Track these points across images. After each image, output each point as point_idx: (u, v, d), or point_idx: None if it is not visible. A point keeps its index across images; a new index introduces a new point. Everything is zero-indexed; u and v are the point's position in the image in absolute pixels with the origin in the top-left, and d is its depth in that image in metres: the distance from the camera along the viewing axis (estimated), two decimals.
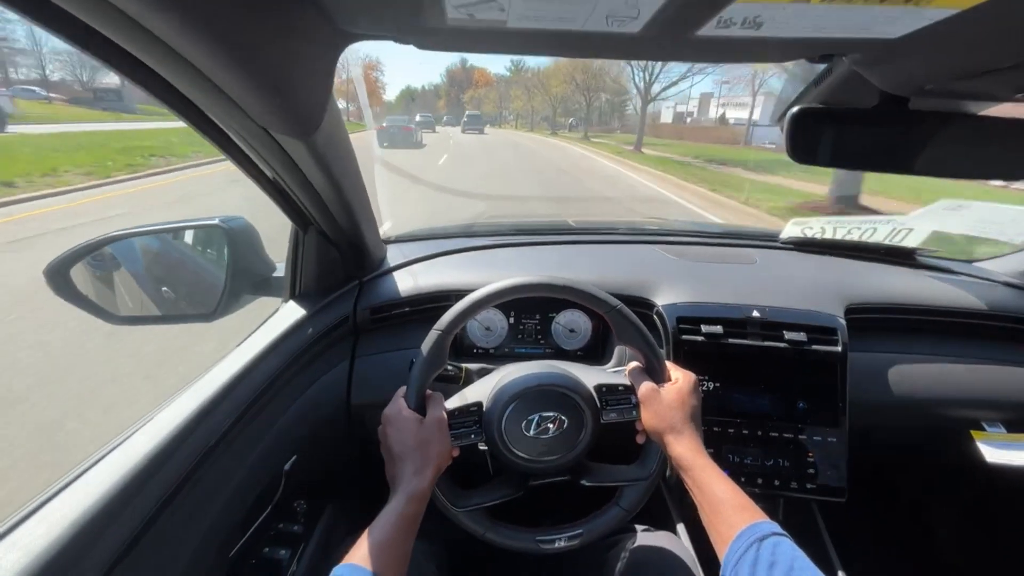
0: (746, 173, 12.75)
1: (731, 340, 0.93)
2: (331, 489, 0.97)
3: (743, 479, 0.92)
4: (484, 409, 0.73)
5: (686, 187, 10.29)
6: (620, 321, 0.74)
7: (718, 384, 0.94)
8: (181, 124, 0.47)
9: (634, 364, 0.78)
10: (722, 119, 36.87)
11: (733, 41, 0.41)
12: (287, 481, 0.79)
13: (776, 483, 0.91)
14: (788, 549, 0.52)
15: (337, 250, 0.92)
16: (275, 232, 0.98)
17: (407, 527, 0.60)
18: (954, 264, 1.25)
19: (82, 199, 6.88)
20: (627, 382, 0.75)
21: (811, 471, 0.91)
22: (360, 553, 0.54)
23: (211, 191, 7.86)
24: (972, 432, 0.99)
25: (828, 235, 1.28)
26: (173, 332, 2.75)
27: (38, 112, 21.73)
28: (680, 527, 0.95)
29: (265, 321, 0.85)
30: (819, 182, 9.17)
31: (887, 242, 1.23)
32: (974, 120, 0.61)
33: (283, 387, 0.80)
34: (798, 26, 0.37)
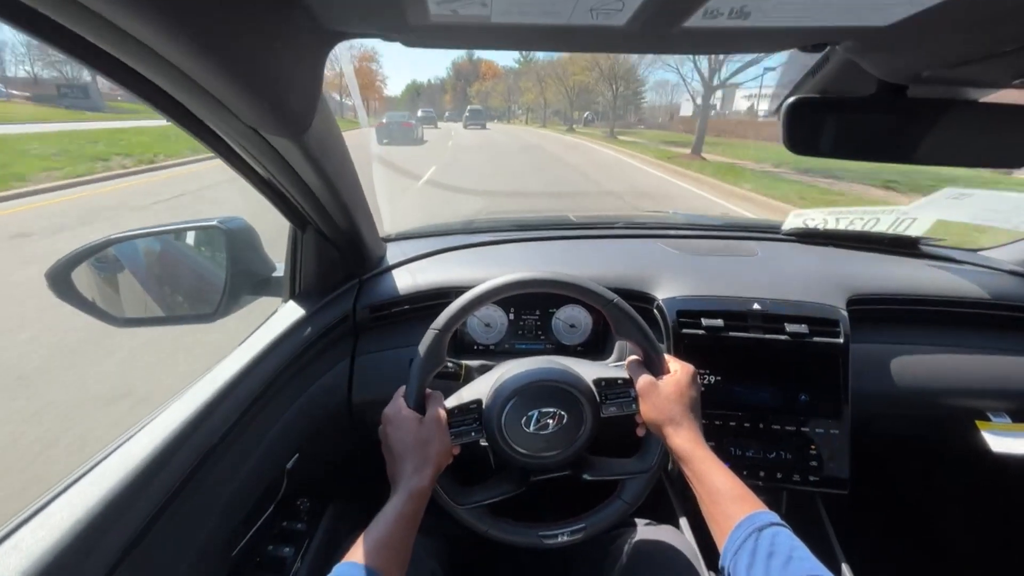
0: (887, 194, 8.85)
1: (732, 333, 0.93)
2: (334, 486, 0.98)
3: (745, 472, 0.91)
4: (484, 406, 0.73)
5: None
6: (617, 315, 0.74)
7: (720, 377, 0.94)
8: (156, 123, 0.47)
9: (633, 357, 0.78)
10: (751, 111, 34.92)
11: (721, 32, 0.40)
12: (290, 479, 0.80)
13: (778, 476, 0.91)
14: (786, 539, 0.53)
15: (336, 249, 0.92)
16: (275, 232, 0.99)
17: (407, 525, 0.60)
18: (958, 253, 1.23)
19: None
20: (626, 375, 0.75)
21: (813, 463, 0.91)
22: (361, 551, 0.55)
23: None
24: (977, 422, 0.98)
25: (830, 226, 1.27)
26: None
27: None
28: (682, 520, 0.95)
29: (265, 321, 0.85)
30: None
31: (890, 232, 1.22)
32: (974, 107, 0.60)
33: (284, 386, 0.80)
34: (785, 15, 0.37)
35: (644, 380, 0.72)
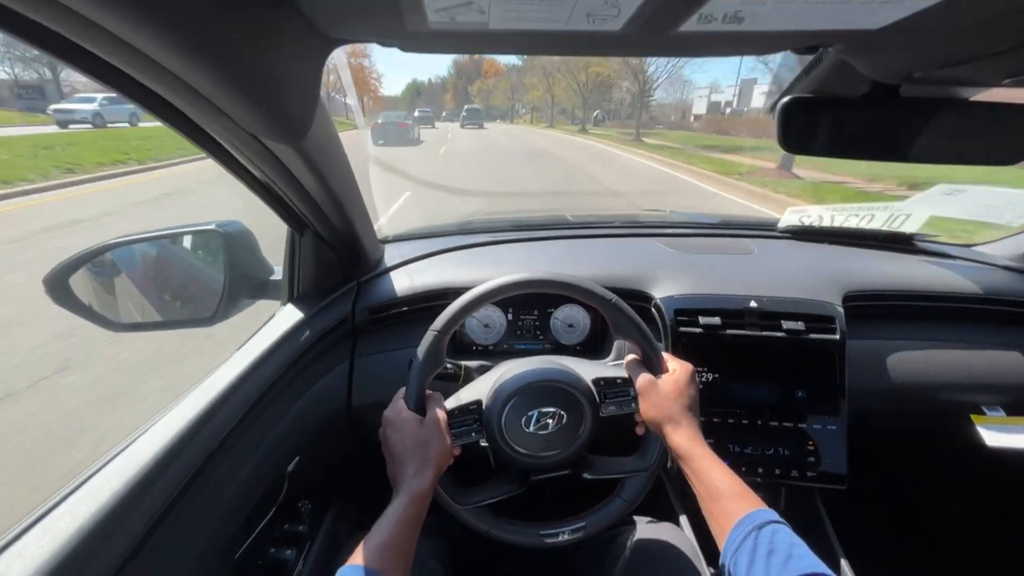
0: None
1: (729, 331, 0.94)
2: (335, 488, 0.98)
3: (744, 469, 0.92)
4: (484, 407, 0.74)
5: None
6: (615, 314, 0.74)
7: (717, 375, 0.94)
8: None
9: (631, 357, 0.78)
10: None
11: (715, 36, 0.41)
12: (290, 482, 0.80)
13: (777, 472, 0.92)
14: (786, 536, 0.53)
15: (333, 252, 0.93)
16: (274, 236, 0.98)
17: (410, 527, 0.60)
18: (952, 249, 1.24)
19: None
20: (625, 375, 0.76)
21: (811, 459, 0.91)
22: (364, 554, 0.55)
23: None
24: (972, 416, 0.99)
25: (826, 223, 1.28)
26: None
27: None
28: (683, 518, 0.95)
29: (264, 324, 0.86)
30: None
31: (885, 228, 1.23)
32: (966, 106, 0.61)
33: (284, 389, 0.80)
34: (779, 20, 0.37)
35: (643, 379, 0.72)
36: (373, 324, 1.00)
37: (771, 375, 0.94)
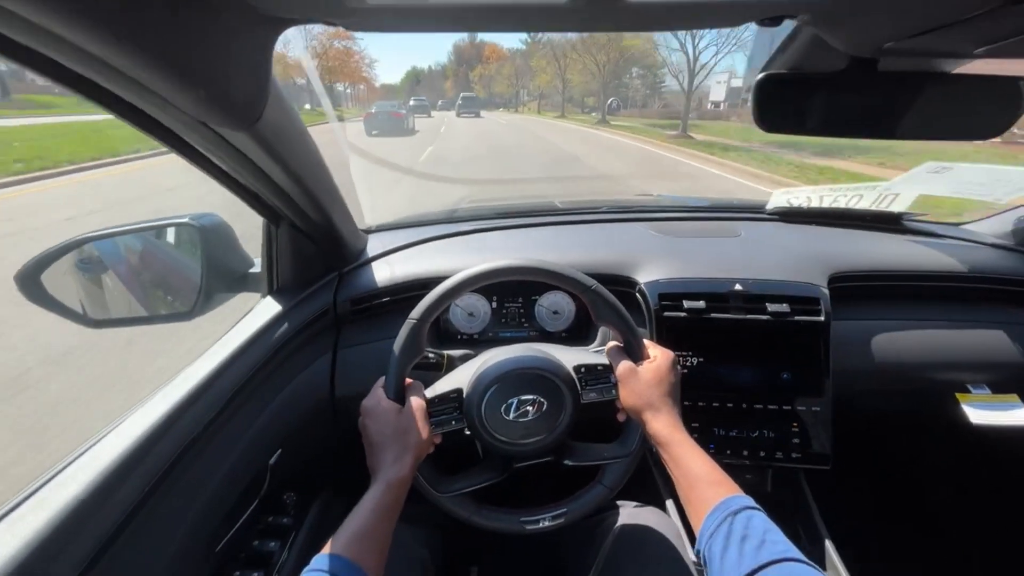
0: None
1: (714, 315, 0.93)
2: (320, 480, 0.98)
3: (730, 451, 0.92)
4: (464, 395, 0.73)
5: None
6: (596, 301, 0.74)
7: (702, 359, 0.94)
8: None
9: (613, 343, 0.78)
10: None
11: (669, 6, 0.39)
12: (272, 475, 0.80)
13: (762, 454, 0.92)
14: (761, 522, 0.53)
15: (312, 243, 0.91)
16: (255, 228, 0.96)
17: (386, 515, 0.60)
18: (940, 228, 1.24)
19: None
20: (606, 361, 0.75)
21: (796, 440, 0.92)
22: (339, 542, 0.55)
23: None
24: (957, 395, 0.99)
25: (814, 204, 1.27)
26: None
27: None
28: (668, 502, 0.96)
29: (243, 317, 0.85)
30: None
31: (873, 208, 1.22)
32: (944, 79, 0.59)
33: (264, 382, 0.80)
34: None
35: (624, 366, 0.72)
36: (356, 315, 1.00)
37: (756, 358, 0.94)
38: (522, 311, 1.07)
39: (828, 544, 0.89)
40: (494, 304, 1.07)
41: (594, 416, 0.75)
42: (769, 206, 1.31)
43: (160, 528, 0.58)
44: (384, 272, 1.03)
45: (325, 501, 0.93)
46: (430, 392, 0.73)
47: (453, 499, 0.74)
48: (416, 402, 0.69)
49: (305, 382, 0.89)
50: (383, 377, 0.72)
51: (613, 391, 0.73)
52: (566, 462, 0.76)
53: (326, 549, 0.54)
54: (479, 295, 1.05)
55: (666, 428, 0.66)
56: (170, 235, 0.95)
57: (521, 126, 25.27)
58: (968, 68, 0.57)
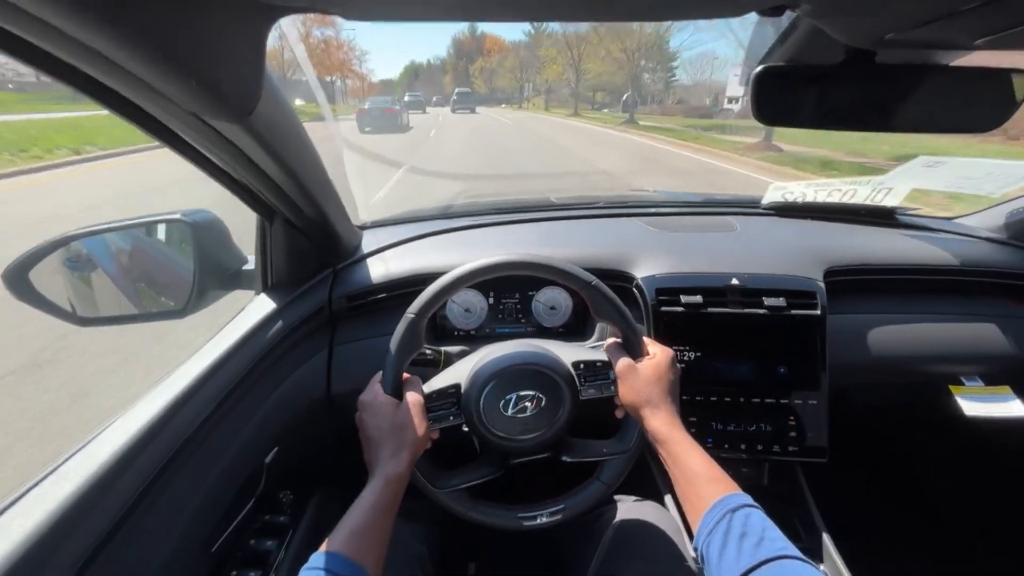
0: None
1: (711, 309, 0.93)
2: (317, 478, 0.98)
3: (727, 445, 0.93)
4: (462, 391, 0.73)
5: None
6: (596, 296, 0.73)
7: (699, 354, 0.94)
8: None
9: (612, 339, 0.78)
10: None
11: None
12: (269, 473, 0.79)
13: (759, 448, 0.92)
14: (759, 520, 0.53)
15: (307, 239, 0.90)
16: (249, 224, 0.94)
17: (384, 511, 0.60)
18: (934, 222, 1.24)
19: None
20: (605, 358, 0.75)
21: (793, 434, 0.92)
22: (338, 539, 0.55)
23: None
24: (951, 387, 1.00)
25: (809, 198, 1.27)
26: None
27: None
28: (667, 497, 0.96)
29: (236, 315, 0.84)
30: None
31: (868, 203, 1.23)
32: (943, 72, 0.59)
33: (259, 380, 0.79)
34: None
35: (623, 363, 0.72)
36: (352, 312, 0.99)
37: (753, 352, 0.94)
38: (519, 307, 1.07)
39: (824, 536, 0.90)
40: (491, 300, 1.06)
41: (592, 413, 0.75)
42: (764, 201, 1.31)
43: (156, 527, 0.58)
44: (379, 268, 1.02)
45: (321, 499, 0.92)
46: (427, 387, 0.73)
47: (450, 495, 0.73)
48: (414, 397, 0.69)
49: (301, 379, 0.89)
50: (380, 372, 0.71)
51: (612, 387, 0.73)
52: (564, 458, 0.76)
53: (324, 547, 0.54)
54: (476, 291, 1.05)
55: (665, 425, 0.66)
56: (160, 232, 0.94)
57: (530, 127, 21.42)
58: (966, 60, 0.57)
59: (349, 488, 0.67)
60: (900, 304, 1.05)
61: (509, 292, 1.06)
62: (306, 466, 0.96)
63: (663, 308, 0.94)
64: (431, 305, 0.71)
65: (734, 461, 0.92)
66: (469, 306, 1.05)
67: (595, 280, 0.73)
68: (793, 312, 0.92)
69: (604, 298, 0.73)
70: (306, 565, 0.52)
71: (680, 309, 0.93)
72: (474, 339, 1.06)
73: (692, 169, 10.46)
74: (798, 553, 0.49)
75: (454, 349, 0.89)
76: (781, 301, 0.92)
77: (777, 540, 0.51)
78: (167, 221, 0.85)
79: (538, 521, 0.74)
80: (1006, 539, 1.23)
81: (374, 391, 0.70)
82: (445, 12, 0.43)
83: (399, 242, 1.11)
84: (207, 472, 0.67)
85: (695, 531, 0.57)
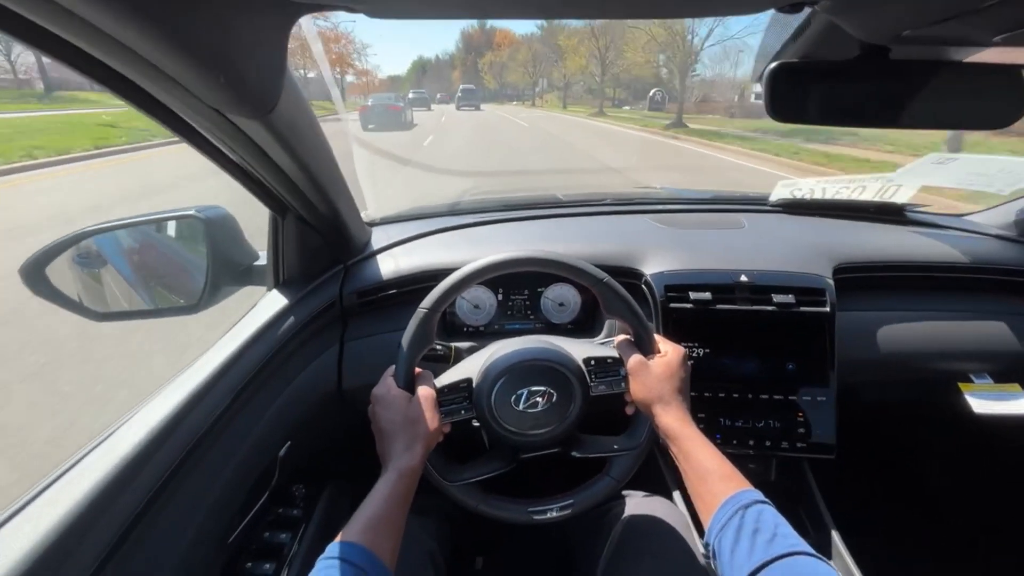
0: None
1: (720, 306, 0.93)
2: (329, 472, 0.98)
3: (735, 441, 0.93)
4: (474, 385, 0.73)
5: None
6: (608, 293, 0.73)
7: (708, 350, 0.94)
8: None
9: (623, 337, 0.78)
10: None
11: None
12: (282, 467, 0.80)
13: (767, 443, 0.93)
14: (772, 516, 0.54)
15: (318, 235, 0.91)
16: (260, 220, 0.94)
17: (398, 503, 0.61)
18: (943, 219, 1.24)
19: None
20: (616, 354, 0.75)
21: (801, 430, 0.92)
22: (353, 530, 0.55)
23: None
24: (960, 384, 1.00)
25: (817, 195, 1.27)
26: None
27: None
28: (676, 493, 0.96)
29: (249, 311, 0.84)
30: None
31: (876, 200, 1.22)
32: (957, 68, 0.59)
33: (272, 375, 0.80)
34: None
35: (634, 360, 0.72)
36: (362, 308, 0.99)
37: (762, 349, 0.94)
38: (528, 303, 1.07)
39: (834, 532, 0.90)
40: (500, 296, 1.07)
41: (602, 409, 0.75)
42: (772, 198, 1.31)
43: (175, 521, 0.58)
44: (389, 265, 1.03)
45: (333, 493, 0.93)
46: (439, 382, 0.73)
47: (461, 488, 0.74)
48: (426, 391, 0.69)
49: (312, 375, 0.89)
50: (393, 366, 0.72)
51: (623, 384, 0.73)
52: (574, 453, 0.77)
53: (342, 536, 0.54)
54: (485, 287, 1.05)
55: (676, 422, 0.66)
56: (171, 228, 0.95)
57: (551, 131, 17.26)
58: (981, 56, 0.57)
59: (359, 483, 0.67)
60: (909, 301, 1.05)
61: (518, 288, 1.07)
62: (318, 460, 0.97)
63: (672, 305, 0.94)
64: (444, 300, 0.71)
65: (742, 457, 0.92)
66: (478, 302, 1.06)
67: (607, 277, 0.73)
68: (802, 309, 0.92)
69: (616, 295, 0.73)
70: (323, 555, 0.53)
71: (689, 306, 0.93)
72: (483, 335, 1.07)
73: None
74: (810, 549, 0.50)
75: (464, 345, 0.90)
76: (790, 298, 0.92)
77: (790, 536, 0.51)
78: (181, 217, 0.86)
79: (548, 515, 0.74)
80: (1012, 536, 1.23)
81: (387, 385, 0.70)
82: (466, 9, 0.44)
83: (408, 239, 1.11)
84: (223, 466, 0.67)
85: (706, 527, 0.57)
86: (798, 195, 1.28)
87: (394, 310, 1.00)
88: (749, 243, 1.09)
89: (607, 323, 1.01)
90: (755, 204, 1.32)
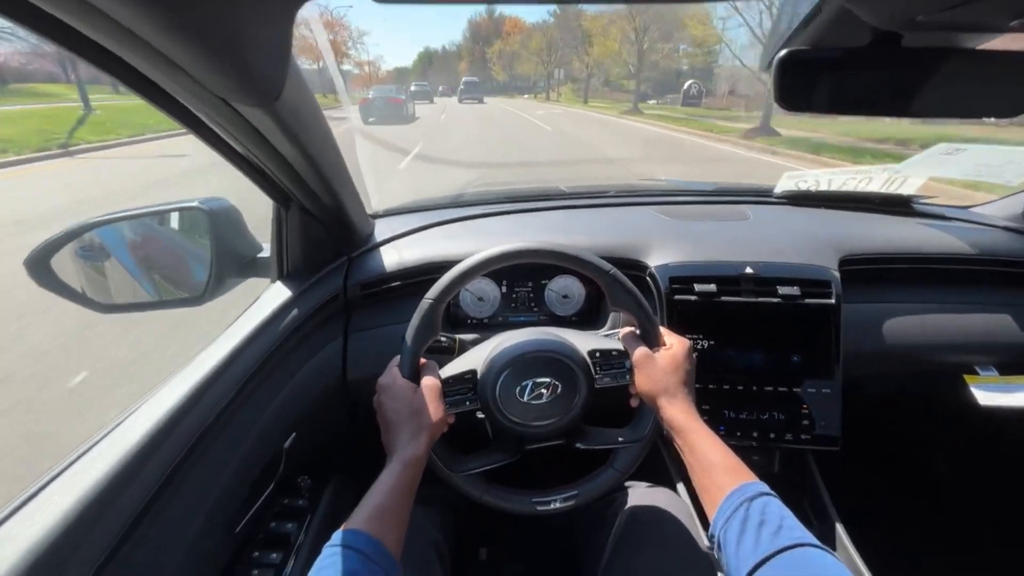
0: None
1: (724, 298, 0.93)
2: (334, 463, 0.99)
3: (739, 434, 0.93)
4: (479, 376, 0.74)
5: None
6: (614, 286, 0.73)
7: (713, 342, 0.94)
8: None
9: (628, 329, 0.78)
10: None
11: None
12: (288, 458, 0.80)
13: (772, 436, 0.93)
14: (777, 508, 0.54)
15: (322, 227, 0.91)
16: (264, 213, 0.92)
17: (404, 492, 0.61)
18: (950, 210, 1.23)
19: None
20: (621, 347, 0.75)
21: (806, 422, 0.92)
22: (359, 519, 0.56)
23: None
24: (965, 376, 1.00)
25: (823, 187, 1.26)
26: None
27: None
28: (680, 484, 0.97)
29: (253, 303, 0.84)
30: None
31: (882, 191, 1.21)
32: (971, 55, 0.58)
33: (276, 367, 0.80)
34: None
35: (640, 352, 0.72)
36: (366, 299, 0.99)
37: (767, 341, 0.94)
38: (532, 295, 1.07)
39: (838, 525, 0.90)
40: (503, 288, 1.06)
41: (606, 401, 0.75)
42: (777, 190, 1.30)
43: (182, 511, 0.59)
44: (393, 257, 1.02)
45: (337, 484, 0.94)
46: (444, 373, 0.73)
47: (466, 479, 0.74)
48: (431, 381, 0.69)
49: (317, 367, 0.89)
50: (398, 356, 0.72)
51: (628, 376, 0.73)
52: (578, 445, 0.77)
53: (348, 525, 0.55)
54: (489, 279, 1.05)
55: (681, 414, 0.66)
56: (174, 220, 0.95)
57: (582, 137, 12.65)
58: (996, 43, 0.56)
59: (364, 474, 0.68)
60: (915, 293, 1.04)
61: (522, 280, 1.06)
62: (322, 452, 0.97)
63: (676, 297, 0.93)
64: (450, 291, 0.71)
65: (746, 449, 0.92)
66: (482, 294, 1.06)
67: (613, 269, 0.73)
68: (807, 301, 0.92)
69: (622, 288, 0.73)
70: (329, 543, 0.53)
71: (694, 298, 0.93)
72: (487, 327, 1.07)
73: None
74: (816, 541, 0.50)
75: (468, 337, 0.90)
76: (795, 290, 0.92)
77: (795, 528, 0.51)
78: (185, 209, 0.86)
79: (551, 506, 0.74)
80: (1017, 529, 1.23)
81: (392, 375, 0.70)
82: None
83: (411, 231, 1.11)
84: (229, 457, 0.68)
85: (711, 519, 0.58)
86: (803, 186, 1.27)
87: (398, 302, 1.00)
88: (754, 235, 1.08)
89: (611, 315, 1.01)
90: (760, 195, 1.31)
